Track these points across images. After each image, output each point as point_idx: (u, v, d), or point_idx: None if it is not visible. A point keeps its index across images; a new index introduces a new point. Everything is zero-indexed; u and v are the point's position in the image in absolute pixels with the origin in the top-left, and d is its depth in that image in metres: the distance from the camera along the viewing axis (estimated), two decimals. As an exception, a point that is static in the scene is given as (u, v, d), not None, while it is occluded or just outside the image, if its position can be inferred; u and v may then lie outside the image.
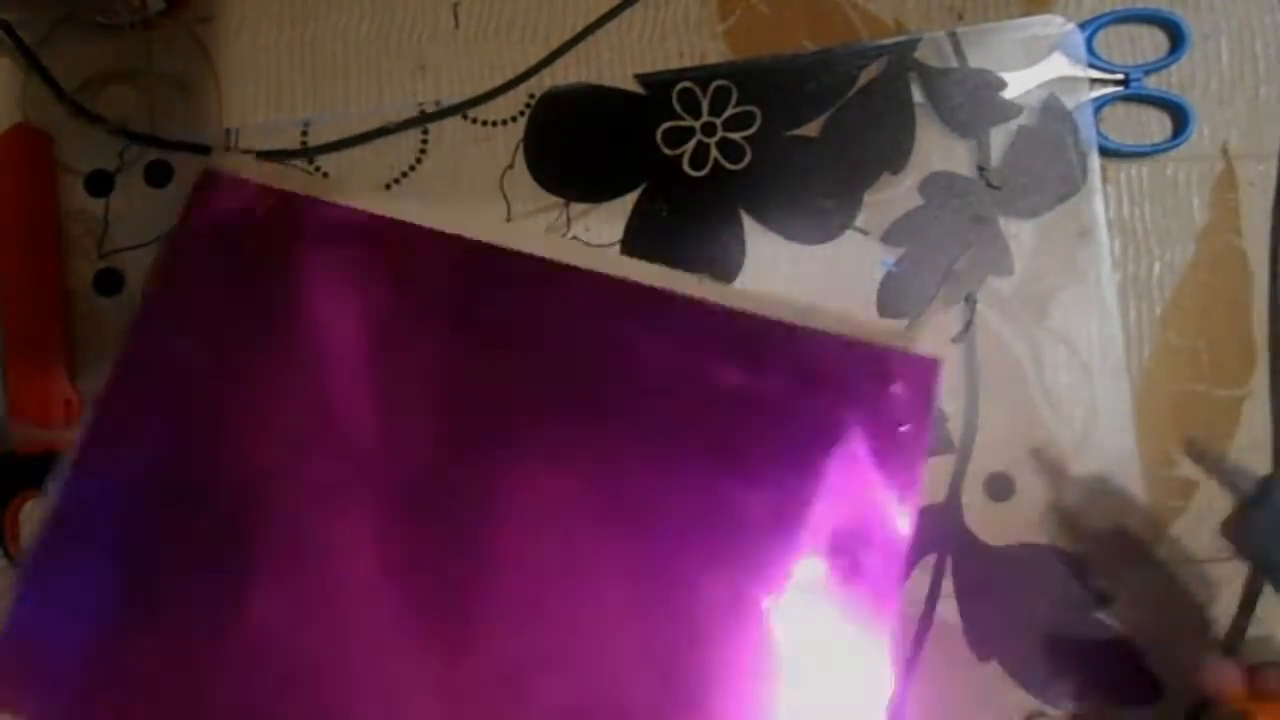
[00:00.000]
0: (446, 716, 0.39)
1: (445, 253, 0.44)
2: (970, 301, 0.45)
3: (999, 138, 0.45)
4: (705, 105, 0.46)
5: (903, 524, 0.41)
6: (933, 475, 0.44)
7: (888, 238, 0.45)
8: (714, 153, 0.46)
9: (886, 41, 0.45)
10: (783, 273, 0.45)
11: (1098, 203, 0.44)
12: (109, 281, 0.47)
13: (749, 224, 0.45)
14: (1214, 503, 0.44)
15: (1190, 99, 0.45)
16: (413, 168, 0.46)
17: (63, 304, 0.46)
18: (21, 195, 0.46)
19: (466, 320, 0.43)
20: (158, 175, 0.47)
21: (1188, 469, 0.44)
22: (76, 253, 0.47)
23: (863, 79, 0.45)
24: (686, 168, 0.46)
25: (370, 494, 0.41)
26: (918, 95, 0.45)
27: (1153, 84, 0.45)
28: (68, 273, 0.47)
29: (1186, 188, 0.45)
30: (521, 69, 0.46)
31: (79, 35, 0.47)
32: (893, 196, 0.45)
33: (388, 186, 0.46)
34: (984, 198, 0.45)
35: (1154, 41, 0.45)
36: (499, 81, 0.46)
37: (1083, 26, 0.45)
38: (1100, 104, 0.45)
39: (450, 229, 0.45)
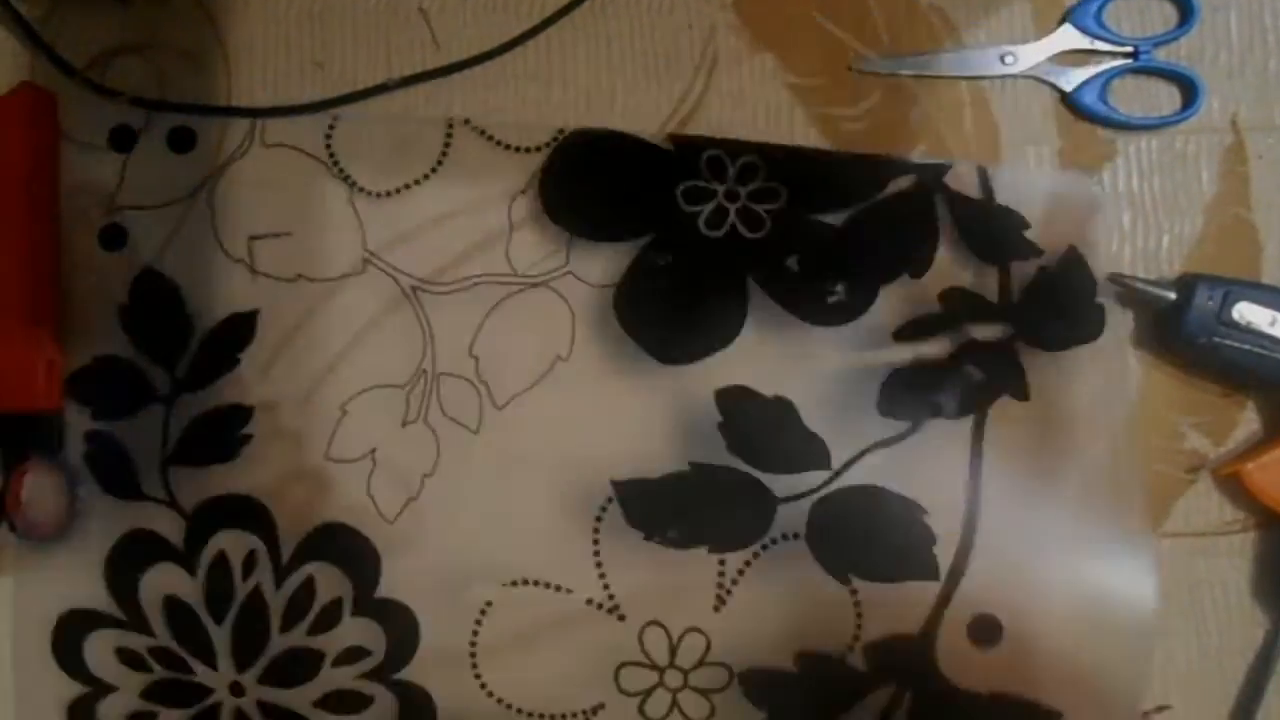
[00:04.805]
0: None
1: None
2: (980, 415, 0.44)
3: (1020, 271, 0.44)
4: (732, 174, 0.45)
5: None
6: (911, 602, 0.43)
7: (900, 334, 0.44)
8: (733, 217, 0.45)
9: (917, 160, 0.45)
10: (780, 348, 0.44)
11: (1120, 356, 0.44)
12: (114, 237, 0.46)
13: (754, 291, 0.44)
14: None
15: (1200, 71, 0.45)
16: (426, 176, 0.46)
17: (55, 265, 0.45)
18: (27, 153, 0.45)
19: None
20: (179, 141, 0.46)
21: (1195, 442, 0.44)
22: (79, 215, 0.46)
23: (891, 188, 0.45)
24: (702, 226, 0.45)
25: None
26: (943, 214, 0.45)
27: (1162, 56, 0.45)
28: (71, 230, 0.46)
29: (1195, 160, 0.45)
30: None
31: (85, 7, 0.47)
32: (909, 297, 0.44)
33: (398, 190, 0.46)
34: (1004, 324, 0.44)
35: (1163, 14, 0.45)
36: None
37: (1092, -1, 0.45)
38: (1109, 76, 0.45)
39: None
